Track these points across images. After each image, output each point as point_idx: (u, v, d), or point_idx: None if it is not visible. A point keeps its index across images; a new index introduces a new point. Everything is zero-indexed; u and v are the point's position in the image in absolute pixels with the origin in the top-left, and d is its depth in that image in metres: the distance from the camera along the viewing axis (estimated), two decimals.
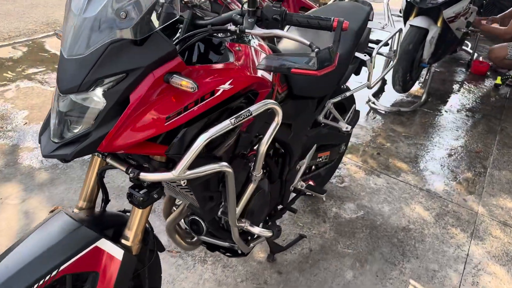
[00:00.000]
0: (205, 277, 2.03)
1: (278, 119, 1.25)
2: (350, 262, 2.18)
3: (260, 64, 1.11)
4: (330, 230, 2.38)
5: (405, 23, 3.81)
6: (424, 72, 4.34)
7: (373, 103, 3.86)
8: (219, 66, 1.16)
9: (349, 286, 2.05)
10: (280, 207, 2.00)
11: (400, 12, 4.01)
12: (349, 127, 2.16)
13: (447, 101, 4.11)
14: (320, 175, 2.55)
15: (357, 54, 2.05)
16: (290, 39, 1.16)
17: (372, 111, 3.81)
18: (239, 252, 1.77)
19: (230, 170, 1.22)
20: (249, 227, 1.54)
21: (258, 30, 1.17)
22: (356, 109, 2.40)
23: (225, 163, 1.20)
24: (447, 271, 2.18)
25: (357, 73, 2.31)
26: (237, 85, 1.16)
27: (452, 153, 3.23)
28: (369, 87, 2.20)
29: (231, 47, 1.25)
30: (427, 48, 3.69)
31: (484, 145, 3.37)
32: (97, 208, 1.37)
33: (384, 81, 4.14)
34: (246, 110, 1.13)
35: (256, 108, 1.15)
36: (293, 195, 2.10)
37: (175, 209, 1.63)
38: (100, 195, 1.34)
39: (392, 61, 2.37)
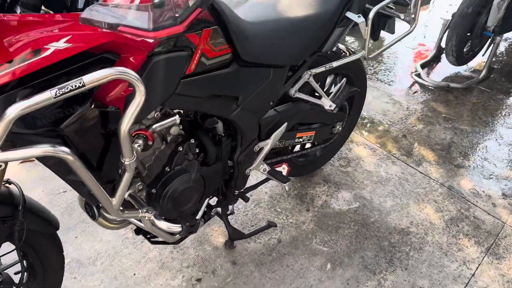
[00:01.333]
0: (149, 256, 1.85)
1: (141, 95, 0.95)
2: (321, 262, 1.87)
3: (82, 18, 0.82)
4: (311, 221, 2.05)
5: None
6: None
7: (418, 75, 3.30)
8: (57, 17, 0.88)
9: None
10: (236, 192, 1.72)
11: None
12: (333, 105, 1.78)
13: None
14: (314, 155, 2.21)
15: (349, 14, 1.63)
16: None
17: (415, 84, 3.27)
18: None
19: (70, 157, 0.96)
20: (153, 218, 1.29)
21: None
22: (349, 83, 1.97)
23: (63, 148, 0.95)
24: None
25: (375, 38, 1.88)
26: (79, 43, 0.88)
27: (498, 144, 2.66)
28: (366, 58, 1.77)
29: None
30: (494, 13, 3.02)
31: None
32: None
33: (440, 49, 3.51)
34: (77, 79, 0.86)
35: (93, 78, 0.87)
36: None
37: None
38: None
39: (411, 26, 1.88)
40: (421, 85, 3.24)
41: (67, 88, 0.85)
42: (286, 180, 1.71)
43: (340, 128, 2.03)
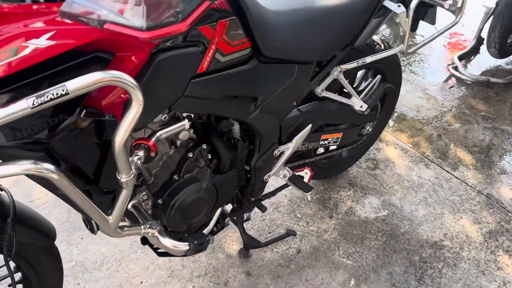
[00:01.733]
0: (158, 262, 1.72)
1: (138, 104, 0.79)
2: (344, 277, 1.70)
3: (61, 11, 0.66)
4: (334, 230, 1.88)
5: None
6: None
7: (455, 67, 3.05)
8: (41, 7, 0.73)
9: None
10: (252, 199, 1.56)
11: None
12: (365, 106, 1.59)
13: None
14: (340, 156, 2.03)
15: (387, 3, 1.42)
16: None
17: (452, 78, 3.02)
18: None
19: (55, 175, 0.81)
20: (157, 234, 1.15)
21: None
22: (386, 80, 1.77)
23: (46, 166, 0.80)
24: None
25: (414, 28, 1.67)
26: (65, 40, 0.72)
27: None
28: (404, 52, 1.57)
29: None
30: None
31: None
32: None
33: (480, 40, 3.23)
34: (59, 86, 0.70)
35: (78, 85, 0.71)
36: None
37: None
38: None
39: (457, 17, 1.66)
40: (458, 79, 2.99)
41: (47, 97, 0.69)
42: (308, 189, 1.54)
43: (370, 129, 1.84)
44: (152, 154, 1.00)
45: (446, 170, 2.23)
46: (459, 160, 2.30)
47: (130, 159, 0.94)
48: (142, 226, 1.13)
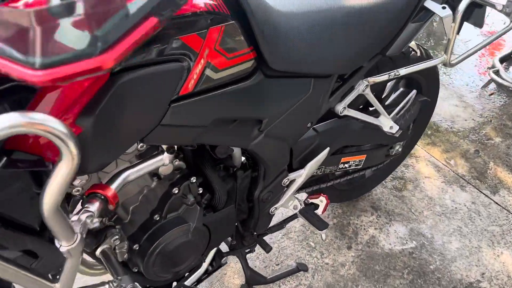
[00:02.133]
0: None
1: (69, 158, 0.54)
2: None
3: None
4: (353, 264, 1.63)
5: None
6: None
7: (496, 72, 2.72)
8: None
9: None
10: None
11: None
12: (396, 127, 1.32)
13: None
14: (362, 176, 1.77)
15: (429, 4, 1.14)
16: None
17: (492, 83, 2.69)
18: None
19: None
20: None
21: None
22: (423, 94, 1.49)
23: None
24: None
25: (458, 30, 1.38)
26: None
27: None
28: (446, 64, 1.28)
29: None
30: None
31: None
32: None
33: None
34: None
35: None
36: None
37: None
38: None
39: (511, 21, 1.37)
40: (499, 85, 2.66)
41: None
42: (323, 226, 1.29)
43: (399, 149, 1.57)
44: (111, 207, 0.76)
45: (484, 194, 1.94)
46: (499, 182, 2.00)
47: (76, 216, 0.70)
48: (107, 285, 0.90)
